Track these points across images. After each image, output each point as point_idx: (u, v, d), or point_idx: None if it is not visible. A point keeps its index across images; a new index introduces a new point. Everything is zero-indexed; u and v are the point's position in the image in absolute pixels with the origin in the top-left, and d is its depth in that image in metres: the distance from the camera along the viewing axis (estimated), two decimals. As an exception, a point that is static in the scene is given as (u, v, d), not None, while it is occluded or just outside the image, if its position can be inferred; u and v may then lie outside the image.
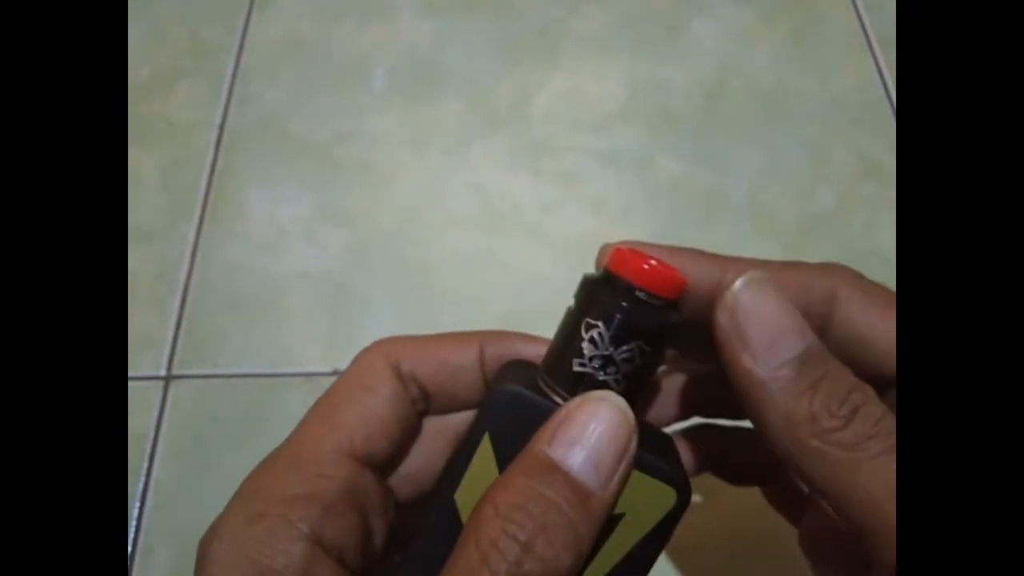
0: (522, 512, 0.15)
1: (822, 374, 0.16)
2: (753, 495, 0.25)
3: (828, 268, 0.19)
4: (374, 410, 0.19)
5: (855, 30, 0.48)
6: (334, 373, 0.37)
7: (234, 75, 0.47)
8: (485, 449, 0.17)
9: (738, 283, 0.17)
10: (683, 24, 0.48)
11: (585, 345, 0.17)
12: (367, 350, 0.20)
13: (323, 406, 0.19)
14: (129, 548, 0.33)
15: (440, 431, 0.20)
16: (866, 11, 0.48)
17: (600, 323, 0.17)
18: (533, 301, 0.39)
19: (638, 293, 0.17)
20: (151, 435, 0.36)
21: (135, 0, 0.49)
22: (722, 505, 0.34)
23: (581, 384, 0.17)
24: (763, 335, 0.16)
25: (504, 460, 0.17)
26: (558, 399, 0.17)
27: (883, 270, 0.40)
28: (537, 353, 0.19)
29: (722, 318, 0.17)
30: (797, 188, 0.43)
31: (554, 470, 0.15)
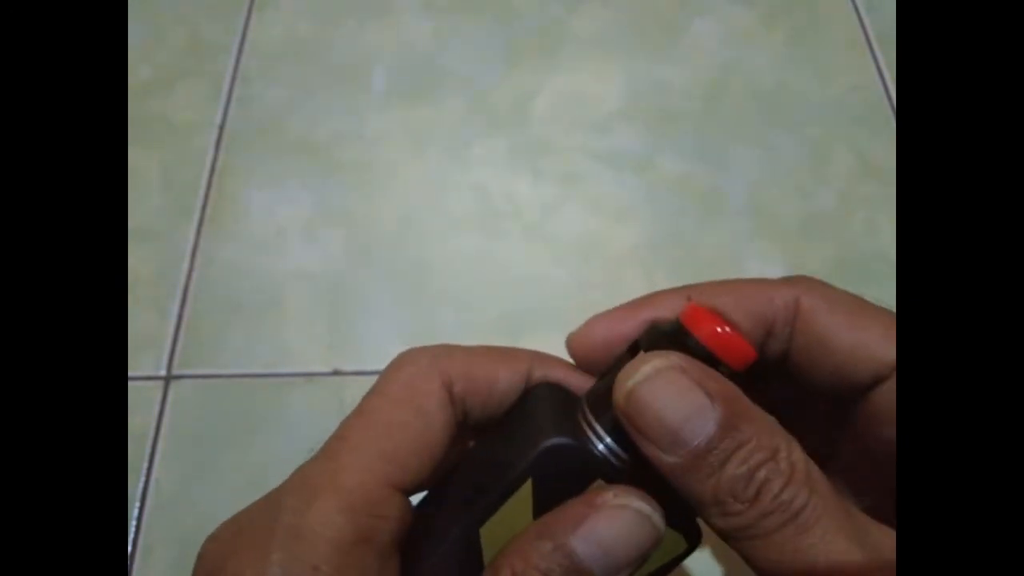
0: None
1: (733, 448, 0.15)
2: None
3: (792, 280, 0.19)
4: (429, 438, 0.17)
5: (855, 30, 0.48)
6: (334, 373, 0.37)
7: (234, 75, 0.47)
8: (524, 492, 0.16)
9: (633, 380, 0.16)
10: (683, 24, 0.48)
11: None
12: (415, 362, 0.18)
13: (369, 424, 0.17)
14: (129, 548, 0.33)
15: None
16: (866, 11, 0.48)
17: None
18: (533, 301, 0.39)
19: (711, 356, 0.16)
20: (151, 435, 0.36)
21: (135, 0, 0.49)
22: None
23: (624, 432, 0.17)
24: (665, 431, 0.15)
25: (541, 507, 0.16)
26: (600, 446, 0.17)
27: (883, 270, 0.40)
28: (580, 385, 0.19)
29: (623, 414, 0.16)
30: (797, 188, 0.43)
31: (575, 563, 0.15)
